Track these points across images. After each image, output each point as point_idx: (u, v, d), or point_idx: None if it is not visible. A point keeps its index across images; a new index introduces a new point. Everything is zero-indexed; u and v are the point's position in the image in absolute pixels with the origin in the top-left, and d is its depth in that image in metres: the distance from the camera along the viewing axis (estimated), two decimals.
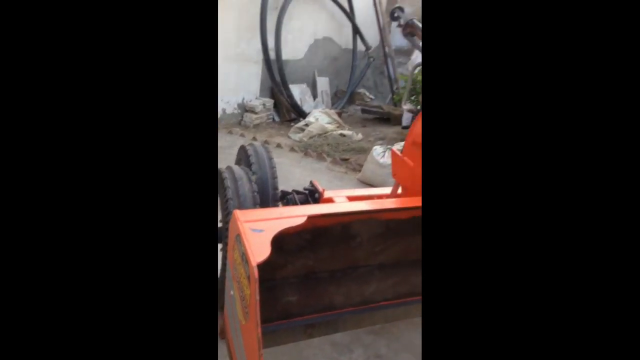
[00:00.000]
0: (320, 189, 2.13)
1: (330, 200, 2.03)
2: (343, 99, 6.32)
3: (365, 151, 4.08)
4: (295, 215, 1.12)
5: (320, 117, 5.01)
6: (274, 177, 1.90)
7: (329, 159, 4.14)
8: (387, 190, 2.03)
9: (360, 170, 3.69)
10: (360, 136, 4.85)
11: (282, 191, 2.05)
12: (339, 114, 5.45)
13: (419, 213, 1.50)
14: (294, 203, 2.02)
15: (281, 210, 1.25)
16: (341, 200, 2.01)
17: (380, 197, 2.06)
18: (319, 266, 1.44)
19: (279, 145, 4.49)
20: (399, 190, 1.86)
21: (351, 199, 2.01)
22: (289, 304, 1.41)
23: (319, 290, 1.46)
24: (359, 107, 6.12)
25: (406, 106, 1.86)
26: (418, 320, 1.79)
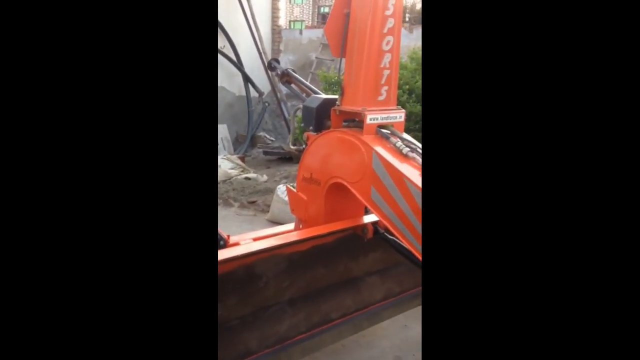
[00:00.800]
0: (224, 235, 2.11)
1: (236, 245, 2.02)
2: (245, 144, 6.40)
3: (271, 191, 4.15)
4: None
5: (222, 164, 4.98)
6: None
7: (236, 204, 4.11)
8: (292, 226, 2.12)
9: (268, 211, 3.73)
10: (265, 177, 4.94)
11: None
12: (242, 159, 5.49)
13: (318, 242, 1.60)
14: None
15: None
16: (247, 242, 2.02)
17: (286, 233, 2.13)
18: (229, 314, 1.41)
19: None
20: (301, 225, 1.96)
21: (257, 239, 2.03)
22: None
23: (232, 340, 1.42)
24: (261, 150, 6.25)
25: (294, 146, 2.01)
26: (334, 347, 1.85)
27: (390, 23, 1.43)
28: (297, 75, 2.16)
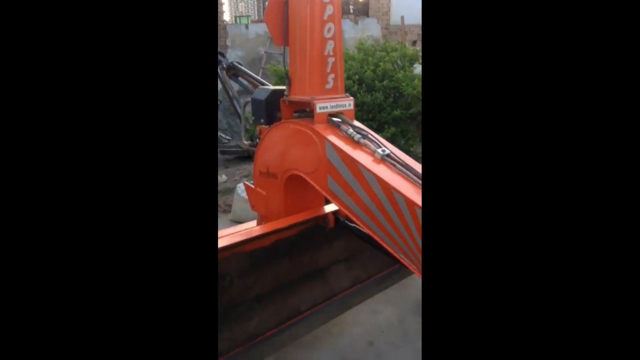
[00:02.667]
0: None
1: None
2: None
3: (232, 191, 4.07)
4: None
5: None
6: None
7: None
8: (255, 223, 2.08)
9: (230, 211, 3.66)
10: (224, 177, 4.83)
11: None
12: None
13: (281, 236, 1.59)
14: None
15: None
16: None
17: (247, 230, 2.10)
18: None
19: None
20: (263, 221, 1.94)
21: (219, 238, 1.99)
22: None
23: None
24: (217, 150, 6.09)
25: (247, 142, 1.97)
26: (306, 339, 1.86)
27: (330, 10, 1.43)
28: (243, 68, 2.11)
